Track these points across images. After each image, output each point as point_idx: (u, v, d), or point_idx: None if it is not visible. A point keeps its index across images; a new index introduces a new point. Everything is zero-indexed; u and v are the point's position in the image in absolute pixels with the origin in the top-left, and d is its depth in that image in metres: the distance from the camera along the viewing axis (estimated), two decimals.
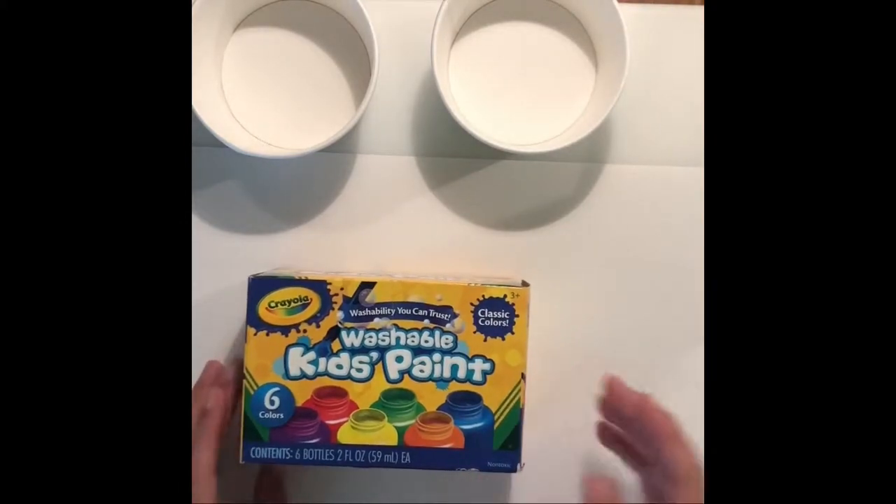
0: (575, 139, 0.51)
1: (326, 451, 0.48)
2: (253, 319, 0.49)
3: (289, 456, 0.48)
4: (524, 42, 0.55)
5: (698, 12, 0.56)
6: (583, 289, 0.56)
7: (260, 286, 0.49)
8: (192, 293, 0.55)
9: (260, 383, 0.48)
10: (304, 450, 0.48)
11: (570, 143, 0.51)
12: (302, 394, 0.48)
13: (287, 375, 0.48)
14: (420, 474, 0.55)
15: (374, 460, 0.48)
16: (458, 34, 0.55)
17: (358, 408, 0.48)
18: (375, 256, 0.56)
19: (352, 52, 0.55)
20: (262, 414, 0.48)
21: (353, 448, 0.48)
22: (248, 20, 0.56)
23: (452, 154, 0.56)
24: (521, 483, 0.55)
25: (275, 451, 0.48)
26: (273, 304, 0.48)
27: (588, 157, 0.56)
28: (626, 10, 0.51)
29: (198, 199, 0.56)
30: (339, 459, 0.48)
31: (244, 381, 0.48)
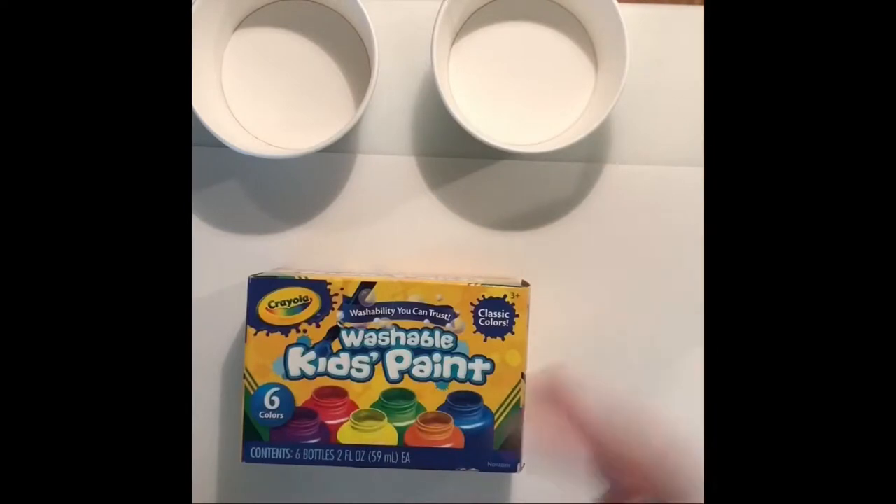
0: (575, 139, 0.51)
1: (326, 451, 0.48)
2: (253, 319, 0.49)
3: (289, 456, 0.48)
4: (524, 42, 0.55)
5: (698, 12, 0.56)
6: (583, 289, 0.56)
7: (260, 286, 0.49)
8: (192, 293, 0.55)
9: (260, 383, 0.48)
10: (304, 450, 0.48)
11: (570, 143, 0.51)
12: (302, 394, 0.48)
13: (287, 375, 0.48)
14: (420, 474, 0.55)
15: (374, 460, 0.48)
16: (458, 34, 0.55)
17: (358, 408, 0.48)
18: (375, 256, 0.56)
19: (352, 52, 0.55)
20: (262, 414, 0.48)
21: (353, 448, 0.48)
22: (248, 20, 0.56)
23: (452, 154, 0.56)
24: (521, 483, 0.55)
25: (275, 451, 0.48)
26: (273, 304, 0.48)
27: (588, 157, 0.56)
28: (626, 10, 0.51)
29: (198, 199, 0.56)
30: (339, 459, 0.48)
31: (244, 381, 0.48)
